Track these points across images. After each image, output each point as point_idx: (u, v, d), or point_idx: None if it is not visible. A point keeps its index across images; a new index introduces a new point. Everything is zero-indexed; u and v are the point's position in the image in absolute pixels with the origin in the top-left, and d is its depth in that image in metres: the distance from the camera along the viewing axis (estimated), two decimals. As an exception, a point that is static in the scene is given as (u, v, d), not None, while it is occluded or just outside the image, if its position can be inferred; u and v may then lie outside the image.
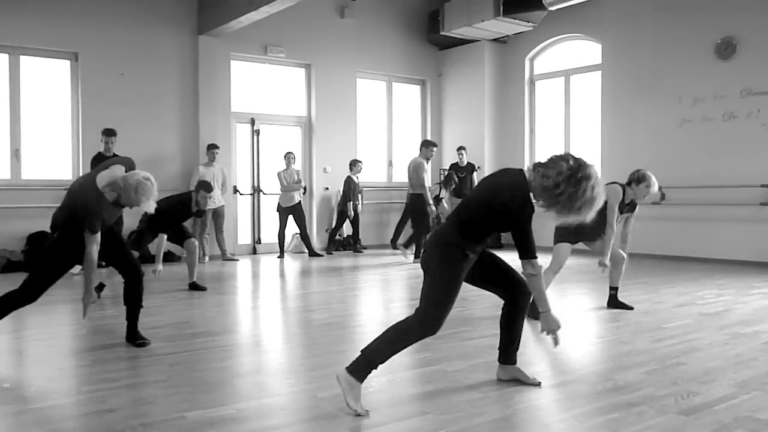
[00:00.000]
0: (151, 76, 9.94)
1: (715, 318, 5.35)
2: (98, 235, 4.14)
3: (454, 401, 3.31)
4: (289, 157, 10.56)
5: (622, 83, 10.43)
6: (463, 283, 3.34)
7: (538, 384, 3.55)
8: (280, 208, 10.53)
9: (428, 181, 9.74)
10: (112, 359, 4.18)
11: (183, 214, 7.05)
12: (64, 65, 9.46)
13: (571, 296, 6.84)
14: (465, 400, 3.32)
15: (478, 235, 3.28)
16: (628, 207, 5.81)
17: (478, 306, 5.98)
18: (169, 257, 9.87)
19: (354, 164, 11.03)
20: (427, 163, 9.76)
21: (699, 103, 9.47)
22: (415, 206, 9.72)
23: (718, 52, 9.22)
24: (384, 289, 7.56)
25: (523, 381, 3.58)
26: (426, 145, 9.86)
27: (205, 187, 7.08)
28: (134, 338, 4.49)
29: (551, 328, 3.38)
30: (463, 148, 11.50)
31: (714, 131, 9.33)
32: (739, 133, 9.09)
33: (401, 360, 4.15)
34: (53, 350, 4.49)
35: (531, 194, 3.17)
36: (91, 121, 9.39)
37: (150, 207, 4.17)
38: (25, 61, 9.15)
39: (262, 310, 6.39)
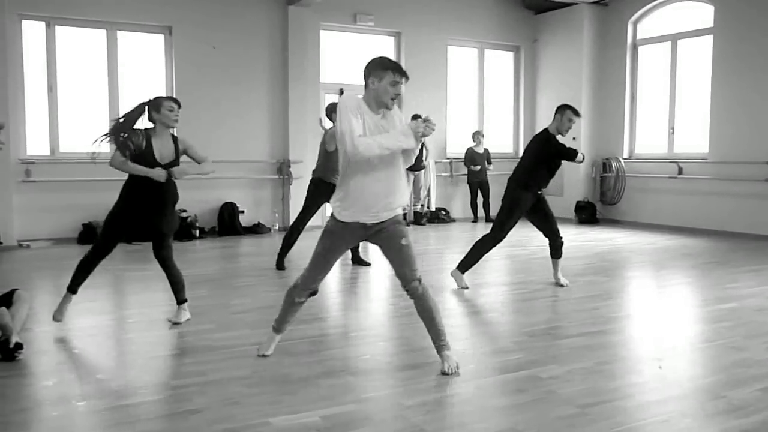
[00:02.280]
0: (242, 47, 9.97)
1: (841, 320, 4.86)
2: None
3: (549, 417, 3.11)
4: None
5: (737, 49, 9.58)
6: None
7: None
8: None
9: None
10: (201, 348, 4.20)
11: None
12: (159, 39, 9.61)
13: (674, 286, 6.41)
14: (560, 417, 3.11)
15: None
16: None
17: (571, 296, 5.69)
18: (258, 229, 10.00)
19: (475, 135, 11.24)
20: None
21: (825, 72, 8.60)
22: None
23: None
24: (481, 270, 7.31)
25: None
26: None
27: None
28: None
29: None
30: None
31: (842, 102, 8.47)
32: None
33: (490, 362, 3.97)
34: (146, 335, 4.57)
35: None
36: (185, 93, 9.49)
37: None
38: (121, 36, 9.35)
39: (349, 295, 6.32)
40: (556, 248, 6.06)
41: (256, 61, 10.11)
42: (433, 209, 11.38)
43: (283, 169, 10.24)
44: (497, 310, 5.45)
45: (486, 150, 11.33)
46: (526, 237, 8.97)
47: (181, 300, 4.81)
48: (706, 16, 10.10)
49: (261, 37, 10.13)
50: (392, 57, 11.23)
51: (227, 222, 9.76)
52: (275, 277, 6.68)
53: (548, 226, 6.06)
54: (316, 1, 10.00)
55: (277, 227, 10.21)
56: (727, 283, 6.14)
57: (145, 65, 9.57)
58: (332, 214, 3.78)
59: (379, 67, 3.53)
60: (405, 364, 3.87)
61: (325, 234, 3.80)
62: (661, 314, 5.26)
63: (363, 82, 3.64)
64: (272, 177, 10.28)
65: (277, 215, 10.26)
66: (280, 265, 6.98)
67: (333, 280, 6.93)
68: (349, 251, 7.11)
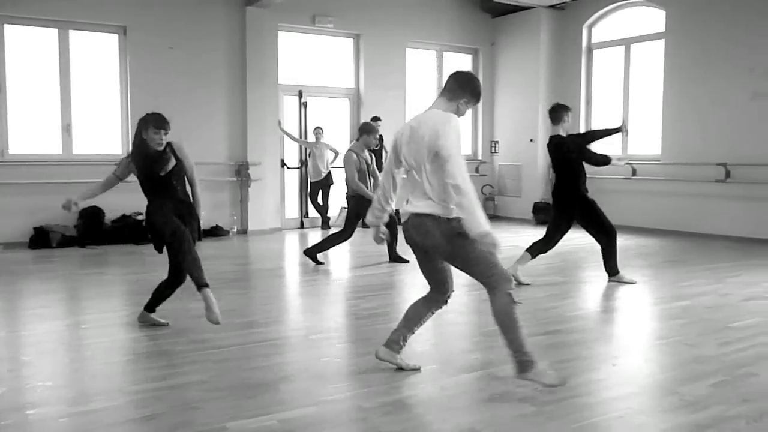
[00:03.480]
0: (199, 48, 9.84)
1: (787, 316, 5.02)
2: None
3: (507, 416, 3.13)
4: (317, 132, 10.59)
5: (688, 53, 9.84)
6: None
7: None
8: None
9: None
10: (159, 353, 4.15)
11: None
12: (113, 39, 9.41)
13: (630, 286, 6.54)
14: (518, 415, 3.14)
15: None
16: None
17: (529, 296, 5.76)
18: (216, 232, 9.87)
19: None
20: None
21: (770, 77, 8.87)
22: None
23: (795, 20, 8.59)
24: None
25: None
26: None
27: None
28: None
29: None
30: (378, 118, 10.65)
31: (787, 106, 8.75)
32: (815, 108, 8.49)
33: (449, 362, 4.00)
34: (102, 340, 4.47)
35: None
36: (140, 94, 9.36)
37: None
38: (74, 35, 9.13)
39: (310, 297, 6.29)
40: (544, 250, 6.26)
41: (213, 62, 9.99)
42: (394, 211, 11.39)
43: (241, 172, 10.13)
44: (456, 311, 5.46)
45: (380, 137, 11.25)
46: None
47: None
48: (658, 21, 10.34)
49: (218, 37, 10.01)
50: (351, 58, 11.26)
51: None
52: (235, 281, 6.61)
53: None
54: (275, 2, 9.93)
55: (235, 230, 10.10)
56: (681, 282, 6.29)
57: (98, 66, 9.37)
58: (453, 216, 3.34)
59: (474, 94, 3.54)
60: (364, 366, 3.86)
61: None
62: (617, 313, 5.38)
63: (446, 89, 3.55)
64: (230, 179, 10.16)
65: (235, 218, 10.15)
66: (314, 258, 7.34)
67: (292, 282, 6.90)
68: (387, 249, 7.43)
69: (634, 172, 10.53)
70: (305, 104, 10.85)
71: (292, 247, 9.20)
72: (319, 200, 10.73)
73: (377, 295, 5.89)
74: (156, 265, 7.64)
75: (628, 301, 5.86)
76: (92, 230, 8.86)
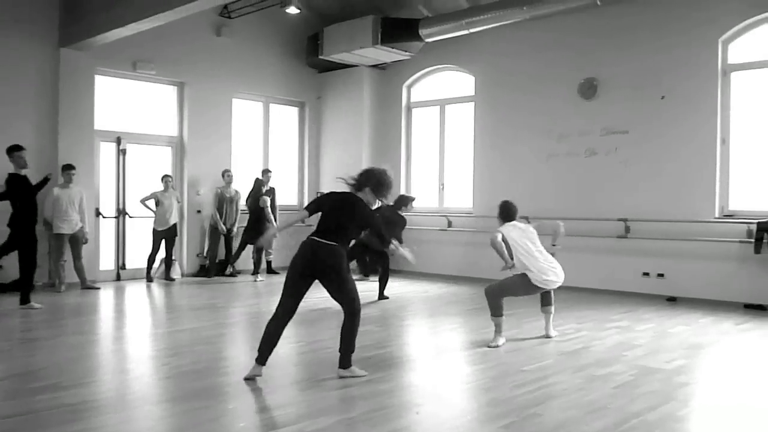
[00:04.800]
0: (4, 88, 9.19)
1: (573, 357, 5.57)
2: None
3: (312, 470, 3.21)
4: (165, 180, 10.37)
5: (494, 116, 10.79)
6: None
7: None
8: (155, 232, 10.27)
9: None
10: (-65, 426, 3.76)
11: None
12: None
13: (440, 332, 6.94)
14: (323, 468, 3.22)
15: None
16: None
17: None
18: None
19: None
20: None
21: (564, 140, 9.94)
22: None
23: (581, 91, 9.73)
24: (254, 325, 7.31)
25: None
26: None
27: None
28: None
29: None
30: (269, 171, 11.36)
31: (577, 166, 9.82)
32: (600, 169, 9.61)
33: (260, 418, 4.01)
34: None
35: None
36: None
37: None
38: None
39: (120, 354, 6.00)
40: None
41: (20, 104, 9.33)
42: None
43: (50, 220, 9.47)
44: (269, 365, 5.48)
45: (272, 189, 11.29)
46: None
47: None
48: (468, 85, 11.25)
49: (27, 77, 9.41)
50: (175, 106, 11.06)
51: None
52: (38, 339, 6.14)
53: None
54: (93, 46, 9.56)
55: (41, 283, 9.36)
56: (484, 328, 6.74)
57: None
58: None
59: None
60: (170, 428, 3.77)
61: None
62: (427, 361, 5.66)
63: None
64: (38, 228, 9.44)
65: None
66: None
67: (106, 338, 6.54)
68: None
69: (449, 224, 11.23)
70: (124, 151, 10.46)
71: (106, 302, 8.72)
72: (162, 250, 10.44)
73: (193, 351, 5.76)
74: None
75: (437, 348, 6.21)
76: None
